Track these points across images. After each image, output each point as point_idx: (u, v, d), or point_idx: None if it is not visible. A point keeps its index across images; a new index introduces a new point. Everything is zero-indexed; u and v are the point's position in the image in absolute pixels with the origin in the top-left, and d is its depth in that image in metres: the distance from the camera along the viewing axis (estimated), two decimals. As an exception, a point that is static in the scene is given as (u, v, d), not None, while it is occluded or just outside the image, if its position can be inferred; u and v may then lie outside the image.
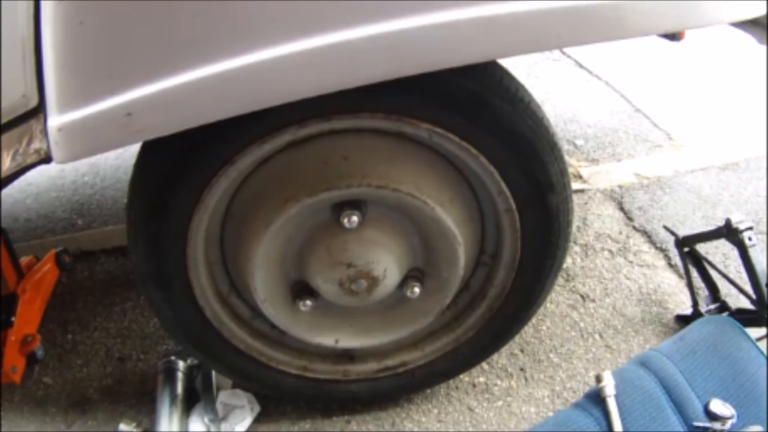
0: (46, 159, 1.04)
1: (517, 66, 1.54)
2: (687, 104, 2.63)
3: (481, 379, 1.55)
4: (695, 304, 1.62)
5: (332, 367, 1.39)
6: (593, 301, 1.75)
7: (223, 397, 1.45)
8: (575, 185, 2.15)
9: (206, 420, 1.39)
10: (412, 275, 1.24)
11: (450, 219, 1.13)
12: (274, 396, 1.46)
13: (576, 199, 1.95)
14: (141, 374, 1.57)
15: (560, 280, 1.80)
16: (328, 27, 0.83)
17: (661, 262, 1.86)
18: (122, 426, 1.40)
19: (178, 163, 1.02)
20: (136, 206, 1.08)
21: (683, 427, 0.90)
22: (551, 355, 1.61)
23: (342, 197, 1.10)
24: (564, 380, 1.55)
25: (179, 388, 1.42)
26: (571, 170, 2.22)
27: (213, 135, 0.97)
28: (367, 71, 0.85)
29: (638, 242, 1.94)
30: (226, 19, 0.82)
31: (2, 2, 0.99)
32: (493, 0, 0.83)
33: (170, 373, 1.44)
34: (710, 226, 1.60)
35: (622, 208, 2.07)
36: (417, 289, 1.23)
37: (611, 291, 1.78)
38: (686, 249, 1.64)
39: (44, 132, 0.95)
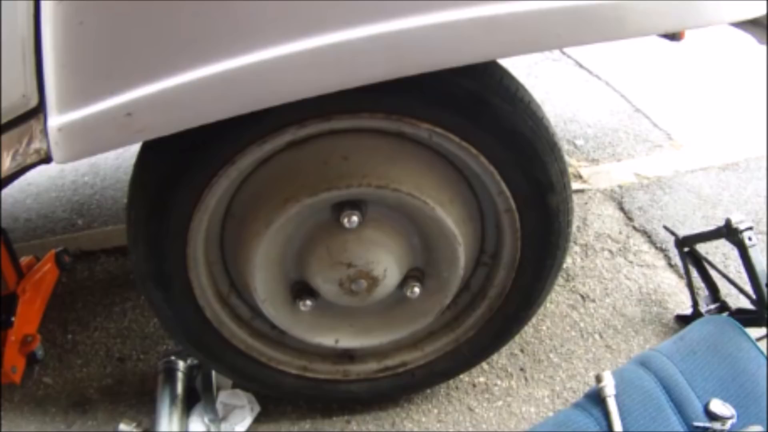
0: (46, 159, 1.04)
1: (517, 66, 1.54)
2: (687, 104, 2.63)
3: (481, 379, 1.55)
4: (695, 304, 1.62)
5: (332, 367, 1.39)
6: (593, 301, 1.75)
7: (223, 397, 1.45)
8: (575, 185, 2.15)
9: (206, 420, 1.39)
10: (412, 275, 1.24)
11: (450, 219, 1.13)
12: (274, 396, 1.46)
13: (576, 199, 1.95)
14: (141, 374, 1.57)
15: (560, 280, 1.80)
16: (328, 27, 0.83)
17: (661, 262, 1.86)
18: (122, 426, 1.40)
19: (178, 163, 1.02)
20: (136, 206, 1.08)
21: (683, 427, 0.90)
22: (551, 355, 1.61)
23: (342, 197, 1.10)
24: (564, 380, 1.55)
25: (179, 388, 1.42)
26: (571, 170, 2.22)
27: (213, 135, 0.97)
28: (367, 71, 0.85)
29: (638, 242, 1.94)
30: (226, 19, 0.82)
31: (2, 2, 0.99)
32: (493, 0, 0.83)
33: (170, 373, 1.44)
34: (710, 226, 1.59)
35: (622, 208, 2.07)
36: (417, 289, 1.23)
37: (611, 291, 1.78)
38: (686, 249, 1.64)
39: (44, 132, 0.94)
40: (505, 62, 1.04)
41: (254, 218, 1.11)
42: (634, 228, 1.99)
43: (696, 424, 0.90)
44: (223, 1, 0.81)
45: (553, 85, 2.80)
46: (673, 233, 1.66)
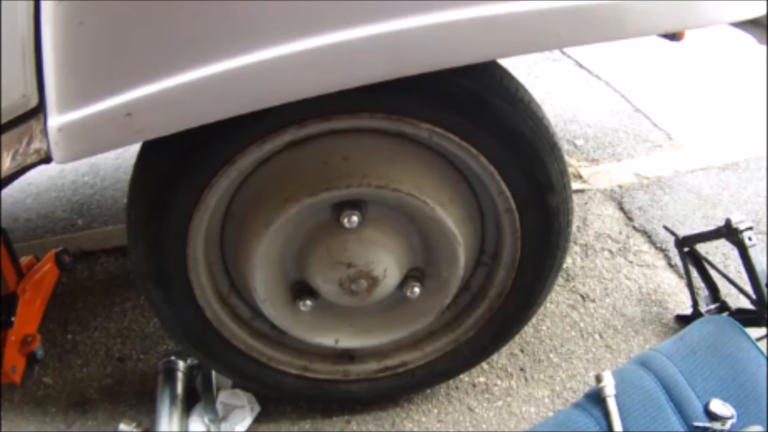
0: (46, 159, 1.04)
1: (517, 66, 1.54)
2: (687, 104, 2.63)
3: (481, 379, 1.55)
4: (695, 304, 1.62)
5: (332, 367, 1.39)
6: (593, 301, 1.75)
7: (223, 397, 1.45)
8: (575, 185, 2.15)
9: (206, 420, 1.39)
10: (412, 275, 1.24)
11: (450, 219, 1.13)
12: (274, 396, 1.46)
13: (576, 199, 1.95)
14: (141, 374, 1.57)
15: (560, 280, 1.80)
16: (328, 27, 0.83)
17: (661, 262, 1.86)
18: (122, 426, 1.40)
19: (178, 163, 1.02)
20: (136, 206, 1.08)
21: (683, 427, 0.90)
22: (551, 355, 1.61)
23: (342, 197, 1.10)
24: (564, 380, 1.55)
25: (179, 388, 1.42)
26: (571, 170, 2.22)
27: (213, 135, 0.97)
28: (367, 71, 0.85)
29: (638, 242, 1.94)
30: (226, 19, 0.82)
31: (2, 2, 0.99)
32: (493, 0, 0.83)
33: (170, 373, 1.44)
34: (710, 226, 1.59)
35: (622, 208, 2.07)
36: (417, 289, 1.23)
37: (611, 291, 1.78)
38: (686, 249, 1.64)
39: (44, 132, 0.95)
40: (505, 62, 1.04)
41: (254, 218, 1.11)
42: (634, 228, 1.99)
43: (696, 424, 0.90)
44: (223, 1, 0.81)
45: (553, 85, 2.80)
46: (673, 233, 1.66)
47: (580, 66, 2.94)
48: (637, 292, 1.77)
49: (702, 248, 1.65)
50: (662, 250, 1.90)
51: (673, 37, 1.30)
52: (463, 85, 0.99)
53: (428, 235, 1.19)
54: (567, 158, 2.04)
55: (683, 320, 1.66)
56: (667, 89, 2.74)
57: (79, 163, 2.01)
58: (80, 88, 0.85)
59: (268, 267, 1.16)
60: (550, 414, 1.48)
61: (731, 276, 1.61)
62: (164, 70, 0.83)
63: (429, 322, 1.30)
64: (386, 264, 1.17)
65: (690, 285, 1.63)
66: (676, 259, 1.79)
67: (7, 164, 1.04)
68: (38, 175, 2.21)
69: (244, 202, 1.14)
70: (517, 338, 1.56)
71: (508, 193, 1.13)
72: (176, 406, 1.39)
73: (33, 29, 1.02)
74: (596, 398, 0.93)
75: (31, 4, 1.01)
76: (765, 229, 1.94)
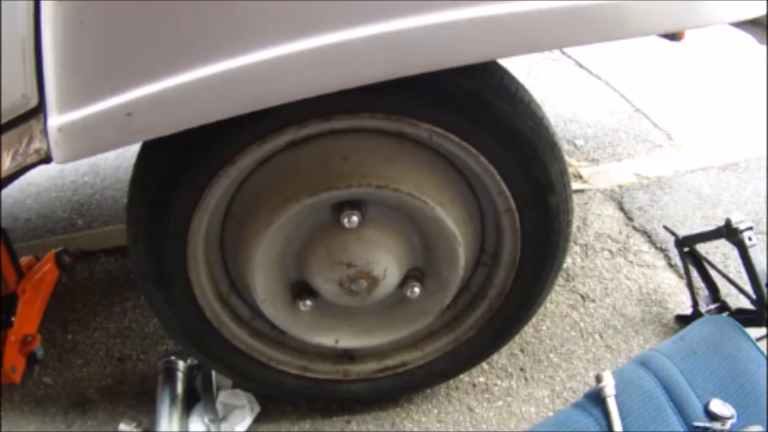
0: (46, 159, 1.04)
1: (517, 66, 1.54)
2: (687, 104, 2.63)
3: (481, 379, 1.55)
4: (695, 304, 1.62)
5: (332, 367, 1.39)
6: (593, 301, 1.75)
7: (223, 397, 1.45)
8: (575, 185, 2.15)
9: (206, 420, 1.39)
10: (412, 275, 1.24)
11: (450, 219, 1.13)
12: (274, 396, 1.46)
13: (576, 199, 1.95)
14: (141, 374, 1.57)
15: (560, 280, 1.80)
16: (328, 27, 0.83)
17: (661, 262, 1.86)
18: (122, 426, 1.40)
19: (178, 163, 1.02)
20: (136, 206, 1.08)
21: (683, 427, 0.90)
22: (551, 355, 1.61)
23: (342, 197, 1.10)
24: (564, 380, 1.55)
25: (179, 388, 1.42)
26: (571, 170, 2.22)
27: (213, 135, 0.97)
28: (367, 71, 0.85)
29: (638, 242, 1.94)
30: (226, 19, 0.82)
31: (2, 2, 0.99)
32: (493, 0, 0.83)
33: (170, 373, 1.44)
34: (710, 226, 1.60)
35: (622, 208, 2.07)
36: (417, 289, 1.23)
37: (611, 291, 1.78)
38: (686, 249, 1.64)
39: (44, 132, 0.95)
40: (505, 62, 1.04)
41: (254, 218, 1.11)
42: (634, 228, 1.99)
43: (696, 424, 0.90)
44: (223, 1, 0.81)
45: (553, 85, 2.80)
46: (673, 233, 1.66)
47: (580, 66, 2.94)
48: (637, 292, 1.77)
49: (702, 248, 1.65)
50: (662, 250, 1.90)
51: (673, 37, 1.30)
52: (463, 85, 0.99)
53: (428, 235, 1.19)
54: (567, 158, 2.04)
55: (683, 320, 1.66)
56: (667, 89, 2.74)
57: (79, 163, 2.01)
58: (80, 88, 0.85)
59: (268, 267, 1.16)
60: (550, 414, 1.48)
61: (731, 276, 1.61)
62: (164, 70, 0.83)
63: (429, 322, 1.30)
64: (386, 264, 1.17)
65: (690, 285, 1.63)
66: (676, 259, 1.79)
67: (7, 164, 1.04)
68: (38, 175, 2.21)
69: (244, 202, 1.14)
70: (517, 338, 1.56)
71: (508, 193, 1.13)
72: (176, 406, 1.39)
73: (33, 29, 1.02)
74: (596, 398, 0.93)
75: (31, 4, 1.01)
76: (765, 229, 1.94)
